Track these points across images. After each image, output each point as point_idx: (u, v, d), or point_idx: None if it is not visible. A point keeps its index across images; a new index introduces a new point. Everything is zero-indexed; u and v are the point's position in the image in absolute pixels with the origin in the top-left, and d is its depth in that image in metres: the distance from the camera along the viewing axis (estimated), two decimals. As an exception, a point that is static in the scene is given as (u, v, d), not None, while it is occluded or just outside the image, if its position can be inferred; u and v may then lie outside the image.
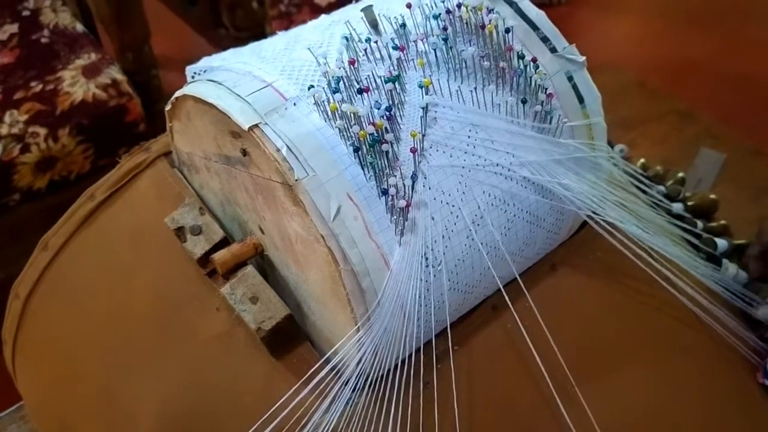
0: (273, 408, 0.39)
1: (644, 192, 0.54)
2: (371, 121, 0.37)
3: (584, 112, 0.44)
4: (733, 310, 0.51)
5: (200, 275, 0.45)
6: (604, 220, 0.44)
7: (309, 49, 0.40)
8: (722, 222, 0.64)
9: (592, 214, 0.44)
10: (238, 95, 0.38)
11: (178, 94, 0.43)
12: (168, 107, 0.45)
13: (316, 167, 0.36)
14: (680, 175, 0.67)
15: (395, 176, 0.37)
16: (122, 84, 1.02)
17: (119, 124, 1.02)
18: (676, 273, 0.47)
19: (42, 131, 0.95)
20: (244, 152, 0.39)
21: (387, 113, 0.37)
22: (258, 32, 1.10)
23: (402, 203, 0.36)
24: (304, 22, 0.47)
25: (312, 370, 0.39)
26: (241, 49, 0.45)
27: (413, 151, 0.37)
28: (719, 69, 1.36)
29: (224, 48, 0.47)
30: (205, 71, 0.45)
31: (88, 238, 0.50)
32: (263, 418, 0.39)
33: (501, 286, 0.42)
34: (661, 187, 0.62)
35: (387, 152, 0.37)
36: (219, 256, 0.43)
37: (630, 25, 1.49)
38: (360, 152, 0.37)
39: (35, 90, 0.99)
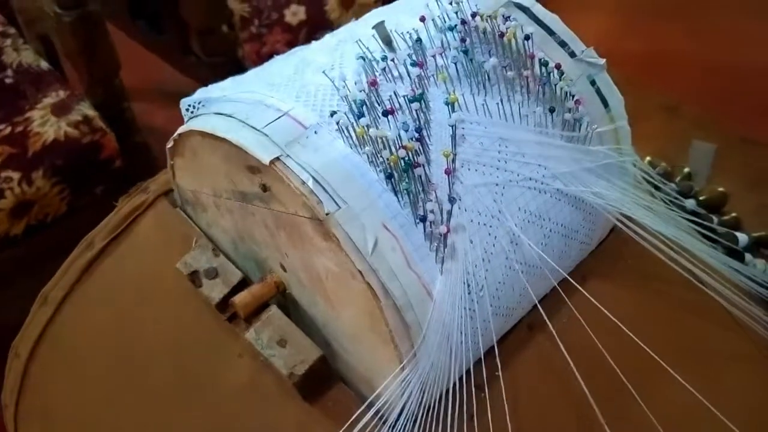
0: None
1: (659, 190, 0.53)
2: (400, 144, 0.35)
3: (609, 116, 0.42)
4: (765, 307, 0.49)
5: (218, 321, 0.42)
6: (635, 225, 0.42)
7: (324, 72, 0.38)
8: (733, 215, 0.63)
9: (624, 220, 0.42)
10: (253, 127, 0.36)
11: (181, 130, 0.41)
12: (170, 144, 0.43)
13: (347, 198, 0.33)
14: (686, 170, 0.66)
15: (431, 200, 0.35)
16: (94, 120, 0.98)
17: (94, 162, 0.98)
18: (711, 274, 0.45)
19: (15, 175, 0.91)
20: (264, 188, 0.36)
21: (417, 134, 0.35)
22: (231, 57, 1.07)
23: (443, 229, 0.34)
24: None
25: (356, 414, 0.36)
26: (242, 77, 0.43)
27: (447, 172, 0.35)
28: (695, 60, 1.36)
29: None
30: (200, 103, 0.42)
31: (90, 289, 0.46)
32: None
33: (538, 304, 0.40)
34: (672, 185, 0.61)
35: (420, 176, 0.35)
36: (240, 298, 0.40)
37: (599, 22, 1.49)
38: (392, 178, 0.34)
39: (4, 133, 0.95)
